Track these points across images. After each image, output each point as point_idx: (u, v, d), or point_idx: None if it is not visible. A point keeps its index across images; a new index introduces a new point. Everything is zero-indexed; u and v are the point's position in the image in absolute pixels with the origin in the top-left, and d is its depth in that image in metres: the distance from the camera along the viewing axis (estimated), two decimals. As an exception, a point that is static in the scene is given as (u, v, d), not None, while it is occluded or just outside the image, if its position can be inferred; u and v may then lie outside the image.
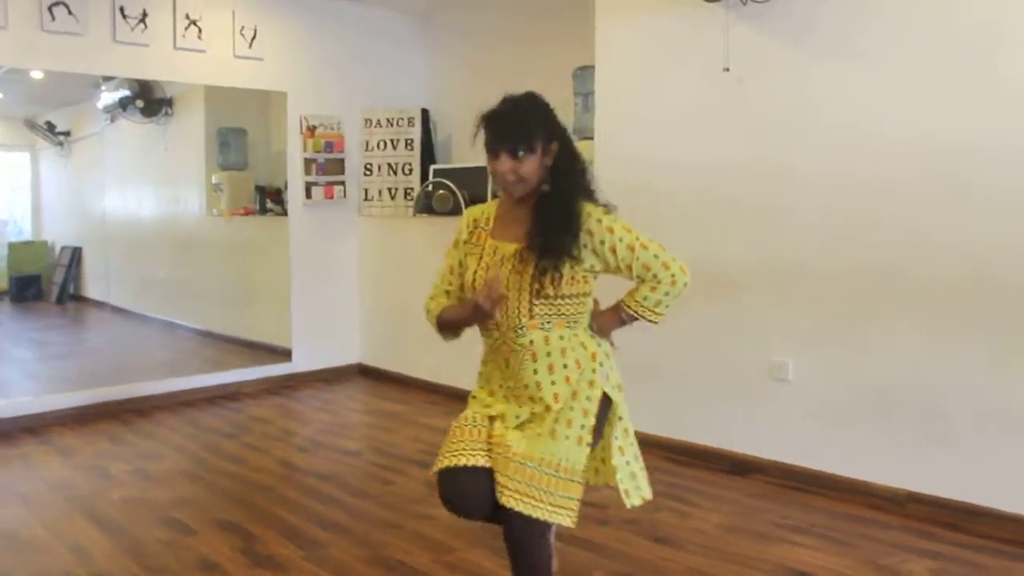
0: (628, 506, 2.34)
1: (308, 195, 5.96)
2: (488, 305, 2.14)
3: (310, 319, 6.05)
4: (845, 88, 3.58)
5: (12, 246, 6.74)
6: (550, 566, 2.28)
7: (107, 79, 5.81)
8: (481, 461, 2.20)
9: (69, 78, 5.21)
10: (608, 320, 2.36)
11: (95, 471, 4.11)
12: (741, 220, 3.94)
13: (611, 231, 2.23)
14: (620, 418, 2.34)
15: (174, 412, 5.24)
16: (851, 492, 3.62)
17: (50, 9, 4.70)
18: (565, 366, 2.24)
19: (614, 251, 2.23)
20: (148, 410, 5.24)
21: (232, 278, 6.62)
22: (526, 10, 5.65)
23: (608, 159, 4.32)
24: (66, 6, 4.75)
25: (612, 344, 2.42)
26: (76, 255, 6.89)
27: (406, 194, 6.03)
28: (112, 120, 6.27)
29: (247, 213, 6.35)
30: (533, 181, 2.24)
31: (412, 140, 6.06)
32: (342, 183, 6.09)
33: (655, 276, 2.25)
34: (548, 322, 2.23)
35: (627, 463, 2.35)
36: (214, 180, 6.42)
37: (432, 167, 5.97)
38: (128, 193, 6.78)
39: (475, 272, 2.31)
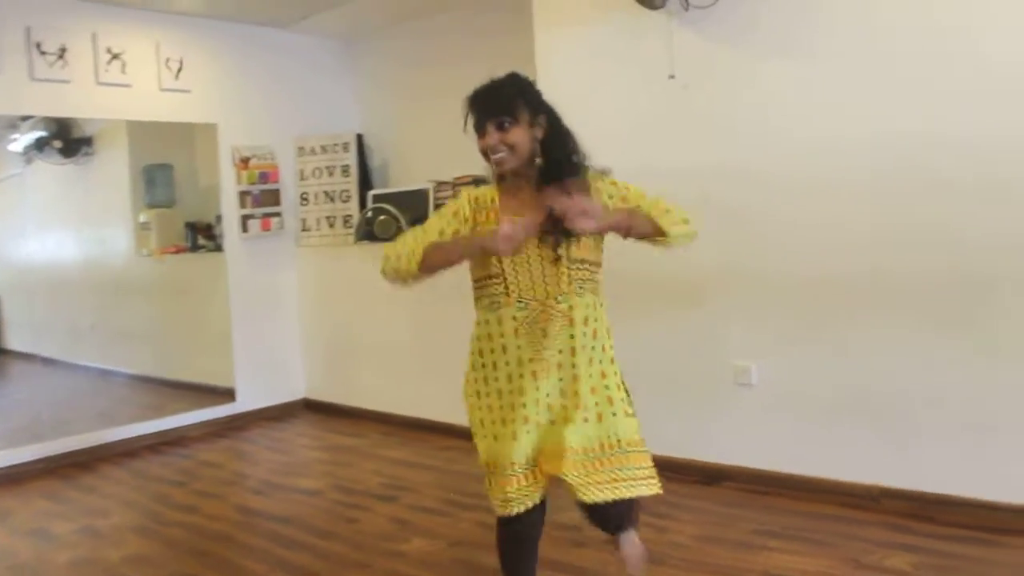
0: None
1: (244, 228, 5.77)
2: (507, 246, 2.14)
3: (253, 356, 5.86)
4: (794, 88, 3.61)
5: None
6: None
7: (25, 118, 5.55)
8: (531, 504, 2.27)
9: (-18, 120, 4.97)
10: (619, 215, 2.28)
11: (37, 534, 3.86)
12: (696, 225, 3.91)
13: (616, 184, 2.35)
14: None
15: (116, 463, 4.98)
16: (824, 492, 3.62)
17: (-40, 49, 4.48)
18: (595, 333, 2.28)
19: (625, 197, 2.31)
20: (88, 463, 4.98)
21: (167, 319, 6.36)
22: (458, 30, 5.59)
23: (555, 174, 4.26)
24: (-23, 45, 4.52)
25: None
26: (-4, 306, 6.53)
27: (345, 222, 5.90)
28: (29, 162, 5.99)
29: (178, 251, 6.13)
30: (524, 152, 2.25)
31: (348, 166, 5.94)
32: (279, 214, 5.93)
33: (667, 211, 2.31)
34: (582, 286, 2.28)
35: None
36: (142, 219, 6.18)
37: (370, 193, 5.87)
38: (50, 237, 6.47)
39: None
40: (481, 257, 2.28)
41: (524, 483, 2.25)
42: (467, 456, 4.67)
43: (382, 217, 5.47)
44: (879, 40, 3.38)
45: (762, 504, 3.65)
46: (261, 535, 3.73)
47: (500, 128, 2.22)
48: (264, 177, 5.83)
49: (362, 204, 5.85)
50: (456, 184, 5.31)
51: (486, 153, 2.26)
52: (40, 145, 5.81)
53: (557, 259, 2.24)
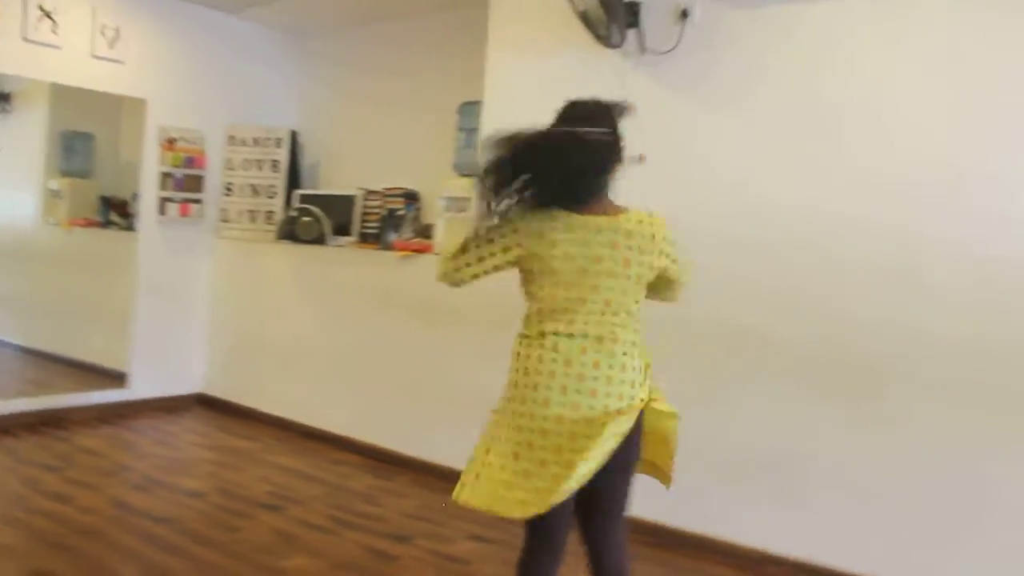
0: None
1: (162, 211, 5.55)
2: None
3: (152, 342, 5.61)
4: (733, 145, 3.66)
5: None
6: None
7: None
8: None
9: None
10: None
11: None
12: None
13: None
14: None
15: (-12, 439, 4.70)
16: (713, 552, 3.64)
17: None
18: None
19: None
20: (-44, 436, 4.69)
21: (65, 293, 6.06)
22: (410, 41, 5.52)
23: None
24: None
25: None
26: None
27: (268, 218, 5.75)
28: (-61, 113, 5.67)
29: (88, 224, 5.86)
30: None
31: (278, 162, 5.80)
32: (200, 201, 5.72)
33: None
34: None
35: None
36: (52, 186, 5.91)
37: (297, 192, 5.73)
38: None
39: None
40: None
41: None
42: (360, 472, 4.55)
43: (306, 218, 5.33)
44: (804, 116, 3.49)
45: (655, 558, 3.63)
46: (135, 534, 3.53)
47: None
48: (189, 162, 5.62)
49: (288, 202, 5.71)
50: (387, 195, 5.22)
51: None
52: (-46, 97, 5.52)
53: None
